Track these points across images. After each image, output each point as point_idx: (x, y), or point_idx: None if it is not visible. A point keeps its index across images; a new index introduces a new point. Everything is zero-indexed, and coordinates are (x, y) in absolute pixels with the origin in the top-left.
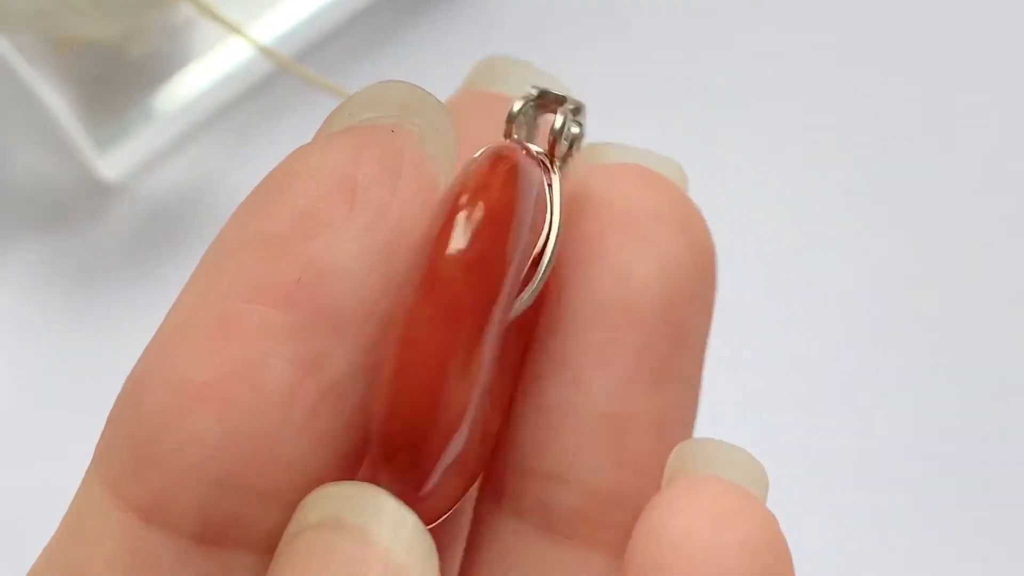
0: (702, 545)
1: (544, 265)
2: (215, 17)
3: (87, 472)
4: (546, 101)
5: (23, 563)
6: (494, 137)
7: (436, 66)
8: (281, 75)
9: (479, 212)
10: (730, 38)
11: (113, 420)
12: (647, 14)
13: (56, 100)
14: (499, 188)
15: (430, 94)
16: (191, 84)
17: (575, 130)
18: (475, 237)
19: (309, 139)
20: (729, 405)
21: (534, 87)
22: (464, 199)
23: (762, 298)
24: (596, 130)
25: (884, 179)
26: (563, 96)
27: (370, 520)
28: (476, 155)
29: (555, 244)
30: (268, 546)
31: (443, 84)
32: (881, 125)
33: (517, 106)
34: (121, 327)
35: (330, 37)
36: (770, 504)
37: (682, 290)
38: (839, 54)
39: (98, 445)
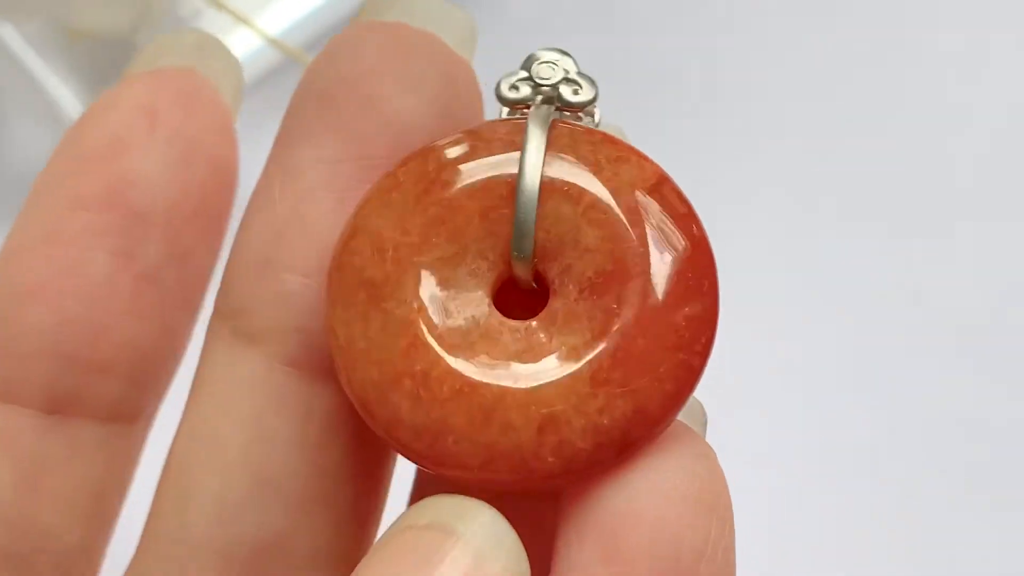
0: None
1: None
2: (223, 8)
3: None
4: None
5: None
6: (396, 66)
7: None
8: (288, 66)
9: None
10: (734, 33)
11: None
12: (653, 9)
13: (65, 90)
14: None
15: (219, 40)
16: None
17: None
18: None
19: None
20: (732, 401)
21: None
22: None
23: (761, 298)
24: (618, 122)
25: (884, 175)
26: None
27: (471, 529)
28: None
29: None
30: (110, 415)
31: None
32: (882, 123)
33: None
34: None
35: (337, 28)
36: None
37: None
38: (839, 49)
39: None
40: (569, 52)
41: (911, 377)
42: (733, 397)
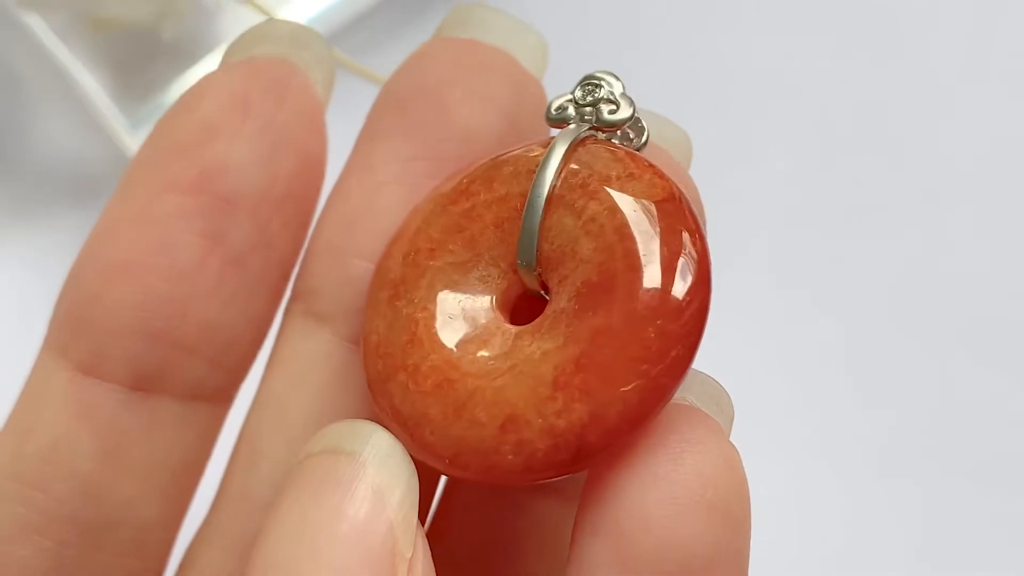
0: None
1: None
2: (246, 0)
3: (39, 351)
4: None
5: None
6: (468, 79)
7: None
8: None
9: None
10: (742, 31)
11: (58, 301)
12: (660, 11)
13: (90, 80)
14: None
15: (314, 31)
16: None
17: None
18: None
19: (337, 120)
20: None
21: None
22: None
23: (762, 293)
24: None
25: (886, 171)
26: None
27: (362, 448)
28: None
29: None
30: (191, 393)
31: None
32: (882, 121)
33: (627, 113)
34: None
35: (359, 20)
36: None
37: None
38: (842, 50)
39: (48, 325)
40: (618, 75)
41: (914, 372)
42: (736, 393)
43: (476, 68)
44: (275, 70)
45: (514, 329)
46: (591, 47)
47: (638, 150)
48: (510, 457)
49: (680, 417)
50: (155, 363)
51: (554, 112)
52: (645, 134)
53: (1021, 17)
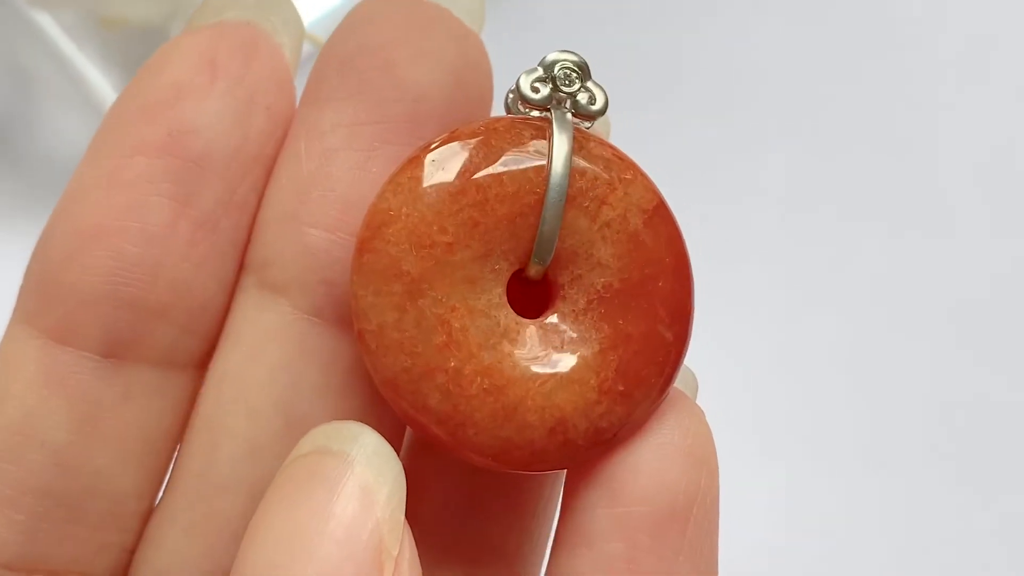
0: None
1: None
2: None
3: (10, 320)
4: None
5: None
6: (412, 37)
7: None
8: (316, 57)
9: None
10: (739, 31)
11: (28, 268)
12: (665, 8)
13: (99, 78)
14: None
15: None
16: None
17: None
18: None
19: None
20: (732, 391)
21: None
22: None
23: (759, 289)
24: (620, 120)
25: (882, 170)
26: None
27: (350, 447)
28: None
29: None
30: (164, 360)
31: None
32: (880, 121)
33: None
34: None
35: None
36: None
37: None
38: (841, 50)
39: (18, 293)
40: (584, 57)
41: (908, 370)
42: (733, 387)
43: (419, 26)
44: (242, 32)
45: (529, 324)
46: (586, 44)
47: (593, 119)
48: (555, 455)
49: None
50: (127, 329)
51: (529, 92)
52: (601, 102)
53: (1020, 15)
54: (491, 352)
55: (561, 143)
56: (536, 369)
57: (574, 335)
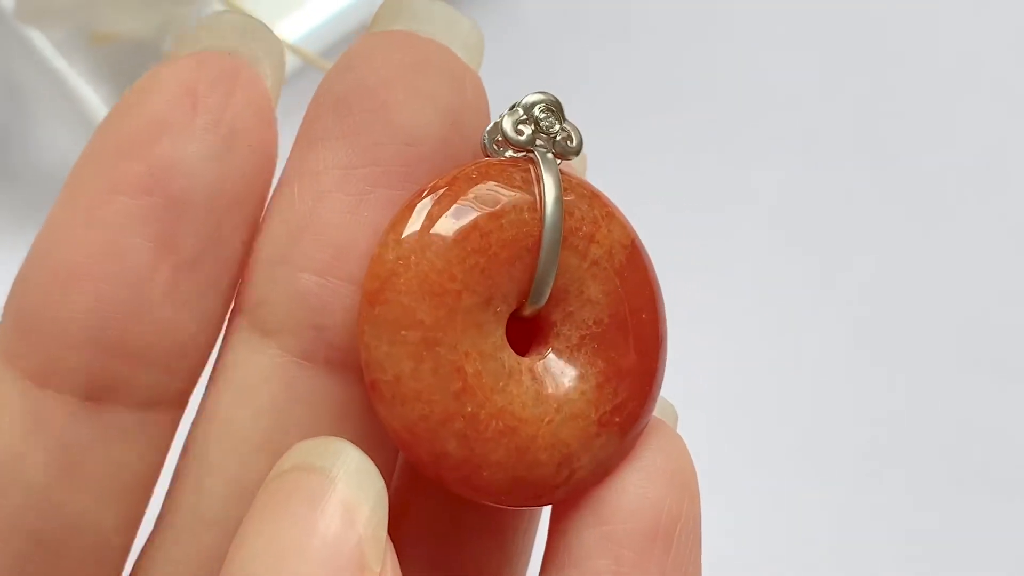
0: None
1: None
2: (243, 14)
3: None
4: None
5: None
6: (407, 77)
7: None
8: (306, 71)
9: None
10: (745, 36)
11: (6, 306)
12: (667, 12)
13: (90, 93)
14: None
15: (262, 23)
16: None
17: (553, 129)
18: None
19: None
20: (729, 402)
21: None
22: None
23: (755, 300)
24: (618, 126)
25: (877, 180)
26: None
27: (332, 464)
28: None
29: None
30: (145, 401)
31: None
32: (873, 131)
33: (575, 139)
34: None
35: (354, 34)
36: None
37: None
38: (834, 60)
39: None
40: (557, 97)
41: (902, 377)
42: (730, 398)
43: (415, 65)
44: (223, 63)
45: (526, 362)
46: (582, 50)
47: (569, 158)
48: (561, 488)
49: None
50: (108, 372)
51: (513, 133)
52: (577, 141)
53: (1013, 29)
54: (502, 395)
55: (551, 184)
56: (542, 407)
57: (572, 371)
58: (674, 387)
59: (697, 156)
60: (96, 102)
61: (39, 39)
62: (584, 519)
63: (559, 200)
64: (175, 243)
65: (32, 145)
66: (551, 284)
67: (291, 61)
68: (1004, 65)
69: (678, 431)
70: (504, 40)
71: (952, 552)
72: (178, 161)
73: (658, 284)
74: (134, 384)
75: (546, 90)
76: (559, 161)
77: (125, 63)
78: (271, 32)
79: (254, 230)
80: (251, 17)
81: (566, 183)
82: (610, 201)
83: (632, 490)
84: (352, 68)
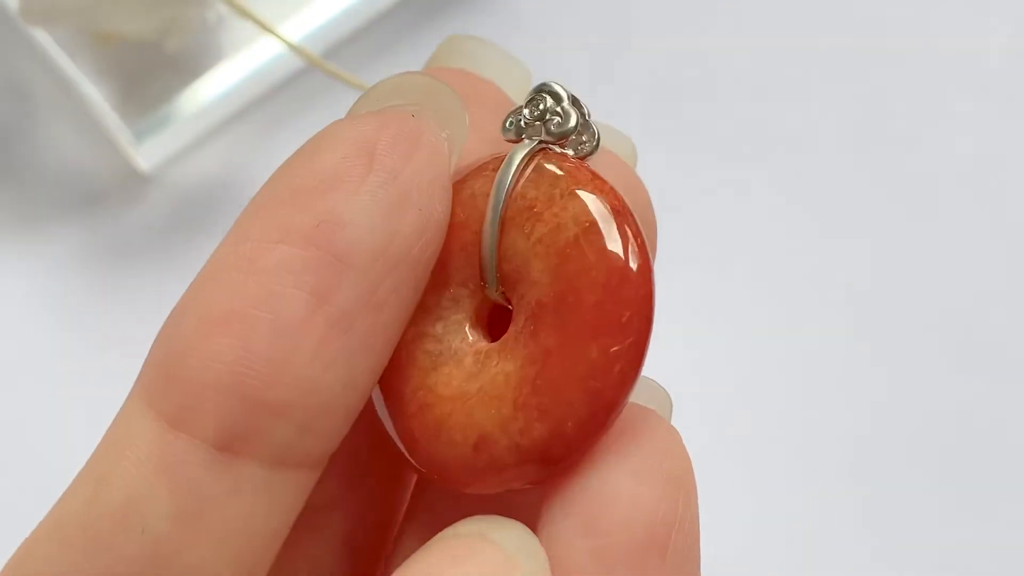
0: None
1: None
2: (247, 16)
3: (129, 393)
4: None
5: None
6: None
7: None
8: (308, 72)
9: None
10: (743, 33)
11: (153, 346)
12: (667, 14)
13: (96, 93)
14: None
15: (446, 84)
16: (223, 79)
17: (572, 122)
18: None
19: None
20: (722, 398)
21: (536, 90)
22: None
23: (748, 297)
24: (617, 126)
25: (871, 178)
26: (558, 93)
27: (510, 543)
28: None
29: None
30: (278, 458)
31: None
32: (872, 129)
33: (526, 111)
34: (154, 303)
35: (356, 36)
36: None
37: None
38: (843, 54)
39: (141, 369)
40: (563, 84)
41: (904, 377)
42: (723, 394)
43: (469, 101)
44: (405, 124)
45: (486, 347)
46: (582, 52)
47: (590, 154)
48: (487, 472)
49: (629, 412)
50: (245, 423)
51: (506, 127)
52: (596, 138)
53: (1014, 23)
54: (432, 374)
55: (504, 168)
56: (465, 386)
57: (509, 354)
58: (672, 383)
59: (697, 156)
60: (100, 102)
61: (44, 39)
62: (574, 528)
63: (503, 183)
64: (332, 299)
65: (37, 145)
66: (493, 266)
67: (294, 62)
68: (1001, 64)
69: (672, 422)
70: (503, 40)
71: (952, 552)
72: (345, 216)
73: (626, 272)
74: (270, 439)
75: (553, 80)
76: (556, 145)
77: (129, 63)
78: (457, 97)
79: (416, 295)
80: (436, 80)
81: (540, 164)
82: (593, 177)
83: (624, 497)
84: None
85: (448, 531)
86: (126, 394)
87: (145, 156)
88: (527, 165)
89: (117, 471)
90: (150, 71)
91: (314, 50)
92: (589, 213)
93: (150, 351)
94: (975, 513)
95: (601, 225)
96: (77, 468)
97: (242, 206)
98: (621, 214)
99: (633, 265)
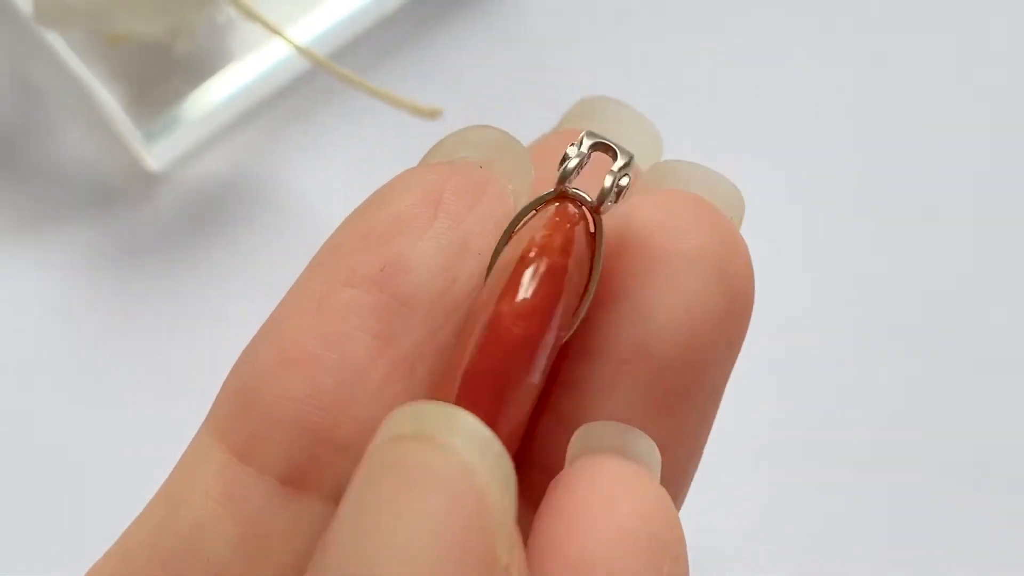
0: (599, 517)
1: (584, 305)
2: (256, 18)
3: (201, 426)
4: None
5: (73, 515)
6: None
7: (465, 65)
8: (316, 73)
9: (543, 268)
10: (750, 36)
11: (228, 378)
12: (674, 14)
13: (106, 95)
14: (558, 252)
15: (514, 138)
16: (232, 81)
17: (623, 183)
18: (537, 291)
19: (340, 133)
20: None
21: (588, 136)
22: (531, 256)
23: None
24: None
25: (879, 176)
26: (614, 148)
27: (458, 440)
28: (535, 207)
29: (594, 286)
30: (338, 495)
31: (471, 82)
32: (877, 125)
33: (573, 162)
34: (163, 302)
35: (363, 38)
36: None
37: (704, 333)
38: (843, 56)
39: (214, 401)
40: (618, 145)
41: (896, 376)
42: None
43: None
44: (472, 174)
45: None
46: (588, 54)
47: (600, 207)
48: None
49: (606, 468)
50: (309, 458)
51: (565, 170)
52: (613, 195)
53: (1012, 27)
54: None
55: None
56: None
57: None
58: None
59: (697, 155)
60: (111, 103)
61: (56, 41)
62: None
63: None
64: (396, 341)
65: (48, 145)
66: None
67: (302, 64)
68: (1003, 61)
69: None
70: (509, 42)
71: (951, 551)
72: (410, 260)
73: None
74: (331, 474)
75: (590, 132)
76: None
77: (140, 65)
78: (523, 149)
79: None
80: (505, 133)
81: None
82: (556, 225)
83: (602, 561)
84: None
85: (390, 428)
86: (136, 392)
87: (155, 156)
88: (542, 208)
89: (186, 499)
90: (160, 73)
91: (322, 52)
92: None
93: (225, 382)
94: (976, 513)
95: (542, 262)
96: (86, 466)
97: (249, 205)
98: (552, 274)
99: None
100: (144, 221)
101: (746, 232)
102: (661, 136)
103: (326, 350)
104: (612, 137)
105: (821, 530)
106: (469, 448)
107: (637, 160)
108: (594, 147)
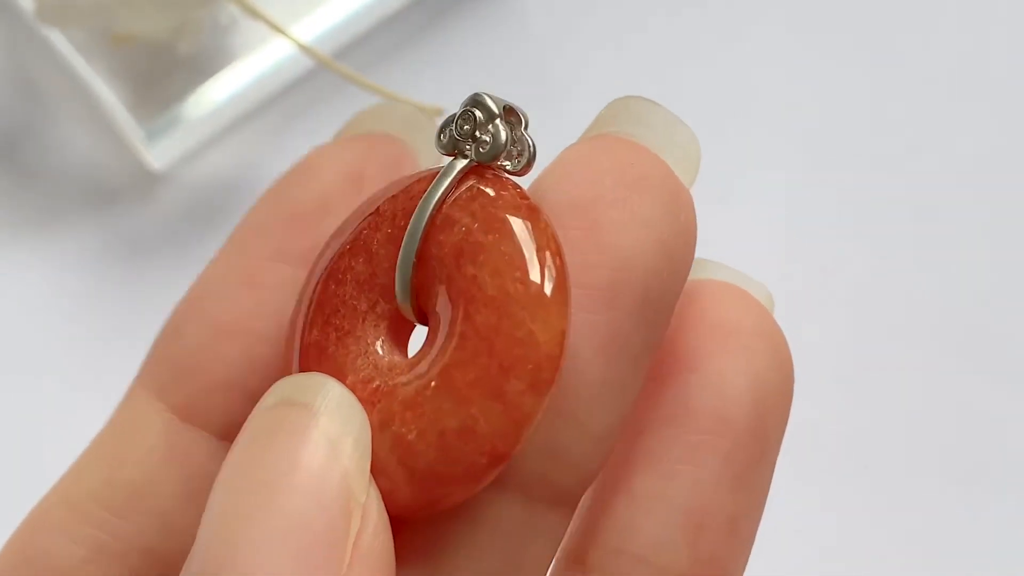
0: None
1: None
2: (259, 17)
3: (132, 386)
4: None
5: None
6: (615, 195)
7: (467, 64)
8: (318, 72)
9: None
10: (751, 37)
11: (158, 345)
12: (673, 15)
13: (108, 93)
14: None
15: (425, 116)
16: (235, 80)
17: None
18: None
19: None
20: None
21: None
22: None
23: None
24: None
25: (878, 173)
26: (491, 105)
27: (315, 398)
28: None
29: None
30: None
31: (472, 81)
32: (885, 132)
33: (456, 125)
34: (165, 299)
35: (366, 37)
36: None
37: (768, 403)
38: (843, 57)
39: (143, 365)
40: (492, 95)
41: (897, 377)
42: None
43: (631, 182)
44: (389, 148)
45: (400, 361)
46: (591, 55)
47: (526, 168)
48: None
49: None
50: (245, 416)
51: (441, 140)
52: (530, 152)
53: (1014, 31)
54: (347, 378)
55: (430, 192)
56: (379, 391)
57: (416, 366)
58: None
59: (705, 158)
60: (113, 102)
61: (59, 39)
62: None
63: (427, 207)
64: None
65: (50, 144)
66: (406, 282)
67: (305, 63)
68: (1003, 67)
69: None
70: (512, 43)
71: (951, 551)
72: None
73: (520, 289)
74: None
75: (486, 92)
76: (500, 166)
77: (142, 64)
78: (432, 123)
79: None
80: (417, 109)
81: (468, 179)
82: (515, 204)
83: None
84: (565, 179)
85: (258, 404)
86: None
87: (157, 155)
88: (456, 184)
89: (130, 456)
90: (163, 72)
91: (325, 51)
92: (515, 241)
93: (153, 348)
94: (976, 513)
95: (526, 254)
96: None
97: (250, 205)
98: (544, 240)
99: (548, 291)
100: (146, 220)
101: (746, 231)
102: (698, 143)
103: (261, 322)
104: (648, 142)
105: (821, 530)
106: (323, 404)
107: (673, 167)
108: (472, 104)
